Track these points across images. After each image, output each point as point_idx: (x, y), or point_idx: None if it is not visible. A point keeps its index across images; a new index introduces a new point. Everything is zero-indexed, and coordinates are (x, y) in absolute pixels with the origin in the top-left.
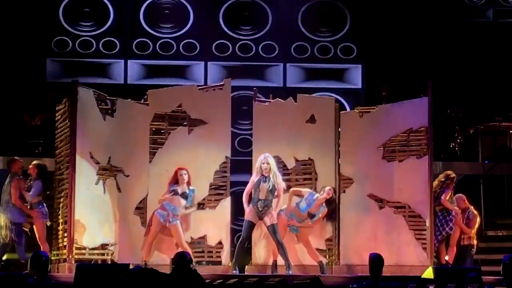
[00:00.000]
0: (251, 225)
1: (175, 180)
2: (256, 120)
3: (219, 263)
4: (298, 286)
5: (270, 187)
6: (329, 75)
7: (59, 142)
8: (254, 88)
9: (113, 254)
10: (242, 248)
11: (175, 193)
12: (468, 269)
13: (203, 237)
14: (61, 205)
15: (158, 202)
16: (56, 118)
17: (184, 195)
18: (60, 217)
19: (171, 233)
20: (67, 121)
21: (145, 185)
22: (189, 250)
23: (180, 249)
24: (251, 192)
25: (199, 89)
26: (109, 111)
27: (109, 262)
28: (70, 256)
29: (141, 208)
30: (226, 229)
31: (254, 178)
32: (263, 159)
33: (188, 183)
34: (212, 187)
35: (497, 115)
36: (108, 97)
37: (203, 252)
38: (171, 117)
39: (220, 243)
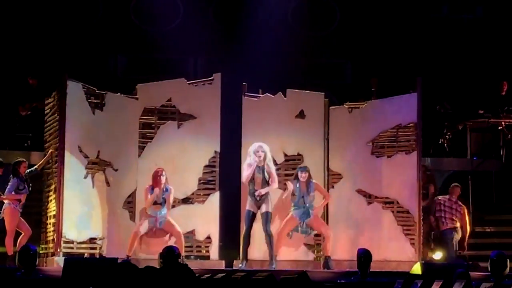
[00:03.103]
0: (252, 215)
1: (155, 183)
2: (245, 115)
3: (208, 257)
4: (286, 281)
5: (266, 178)
6: (319, 71)
7: (48, 136)
8: (244, 84)
9: (101, 248)
10: (247, 239)
11: (155, 202)
12: (456, 265)
13: (192, 232)
14: (50, 199)
15: (146, 210)
16: (45, 112)
17: (160, 202)
18: (48, 211)
19: (166, 231)
20: (56, 114)
21: (134, 180)
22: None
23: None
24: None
25: (189, 83)
26: (99, 105)
27: (97, 256)
28: (58, 250)
29: (130, 202)
30: (214, 223)
31: (250, 164)
32: (257, 147)
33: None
34: (201, 181)
35: (486, 111)
36: (97, 91)
37: (191, 246)
38: (161, 111)
39: (208, 237)
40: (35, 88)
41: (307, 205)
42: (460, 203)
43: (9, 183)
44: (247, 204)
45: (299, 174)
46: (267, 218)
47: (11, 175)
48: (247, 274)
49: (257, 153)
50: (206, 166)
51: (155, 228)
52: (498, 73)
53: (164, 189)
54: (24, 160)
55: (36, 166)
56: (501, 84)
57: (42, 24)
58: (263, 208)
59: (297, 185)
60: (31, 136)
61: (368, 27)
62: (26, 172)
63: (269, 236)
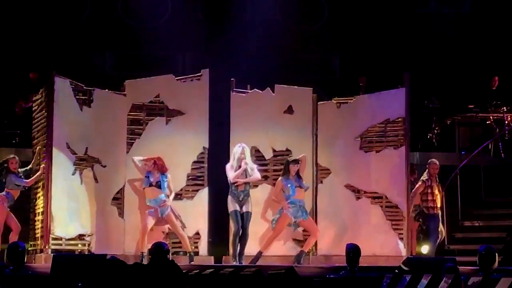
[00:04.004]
0: (238, 214)
1: (150, 169)
2: (233, 111)
3: (197, 253)
4: (273, 276)
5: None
6: (307, 66)
7: (36, 133)
8: (232, 79)
9: (90, 245)
10: (237, 238)
11: (150, 184)
12: (444, 260)
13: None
14: (38, 195)
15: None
16: (33, 108)
17: (158, 185)
18: (37, 207)
19: (167, 223)
20: (44, 111)
21: (123, 176)
22: (186, 237)
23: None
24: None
25: (177, 79)
26: (86, 102)
27: (86, 253)
28: (47, 247)
29: (118, 198)
30: (203, 219)
31: (231, 166)
32: (240, 149)
33: (163, 171)
34: (190, 177)
35: (475, 106)
36: (85, 87)
37: (180, 242)
38: (149, 107)
39: (197, 233)
40: (35, 83)
41: (302, 203)
42: (421, 180)
43: (10, 179)
44: (230, 205)
45: (291, 167)
46: (247, 218)
47: (5, 172)
48: (235, 270)
49: (241, 155)
50: (194, 162)
51: (157, 218)
52: (485, 67)
53: (161, 174)
54: (13, 156)
55: (30, 166)
56: (492, 79)
57: (30, 20)
58: (244, 208)
59: (288, 180)
60: (19, 133)
61: (356, 22)
62: (21, 170)
63: (246, 235)
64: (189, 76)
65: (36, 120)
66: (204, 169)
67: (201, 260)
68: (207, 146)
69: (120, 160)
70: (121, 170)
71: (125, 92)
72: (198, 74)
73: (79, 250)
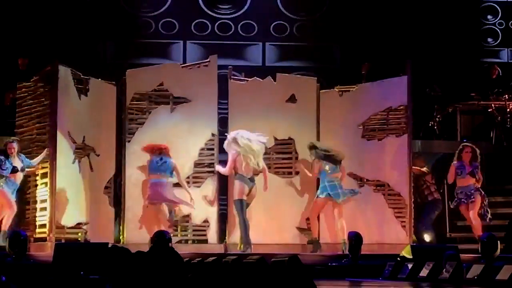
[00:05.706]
0: (244, 203)
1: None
2: (232, 99)
3: (205, 241)
4: (277, 264)
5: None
6: (307, 54)
7: (26, 121)
8: (230, 67)
9: (86, 233)
10: (248, 227)
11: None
12: (446, 247)
13: (188, 215)
14: (37, 183)
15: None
16: (21, 95)
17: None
18: (36, 196)
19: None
20: (42, 99)
21: (113, 165)
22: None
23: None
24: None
25: (182, 67)
26: (83, 90)
27: (83, 241)
28: (51, 235)
29: (108, 187)
30: (211, 207)
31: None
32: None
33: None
34: (198, 165)
35: (476, 94)
36: (82, 76)
37: (187, 230)
38: (152, 95)
39: (206, 221)
40: (24, 70)
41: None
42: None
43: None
44: (236, 192)
45: None
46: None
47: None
48: (238, 257)
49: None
50: (202, 149)
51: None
52: (487, 55)
53: (160, 159)
54: (11, 140)
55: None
56: (492, 68)
57: (30, 9)
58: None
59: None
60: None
61: (357, 10)
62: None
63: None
64: (197, 62)
65: (24, 108)
66: (212, 156)
67: (210, 248)
68: (216, 132)
69: (112, 149)
70: (111, 159)
71: (113, 82)
72: (206, 60)
73: (78, 239)
